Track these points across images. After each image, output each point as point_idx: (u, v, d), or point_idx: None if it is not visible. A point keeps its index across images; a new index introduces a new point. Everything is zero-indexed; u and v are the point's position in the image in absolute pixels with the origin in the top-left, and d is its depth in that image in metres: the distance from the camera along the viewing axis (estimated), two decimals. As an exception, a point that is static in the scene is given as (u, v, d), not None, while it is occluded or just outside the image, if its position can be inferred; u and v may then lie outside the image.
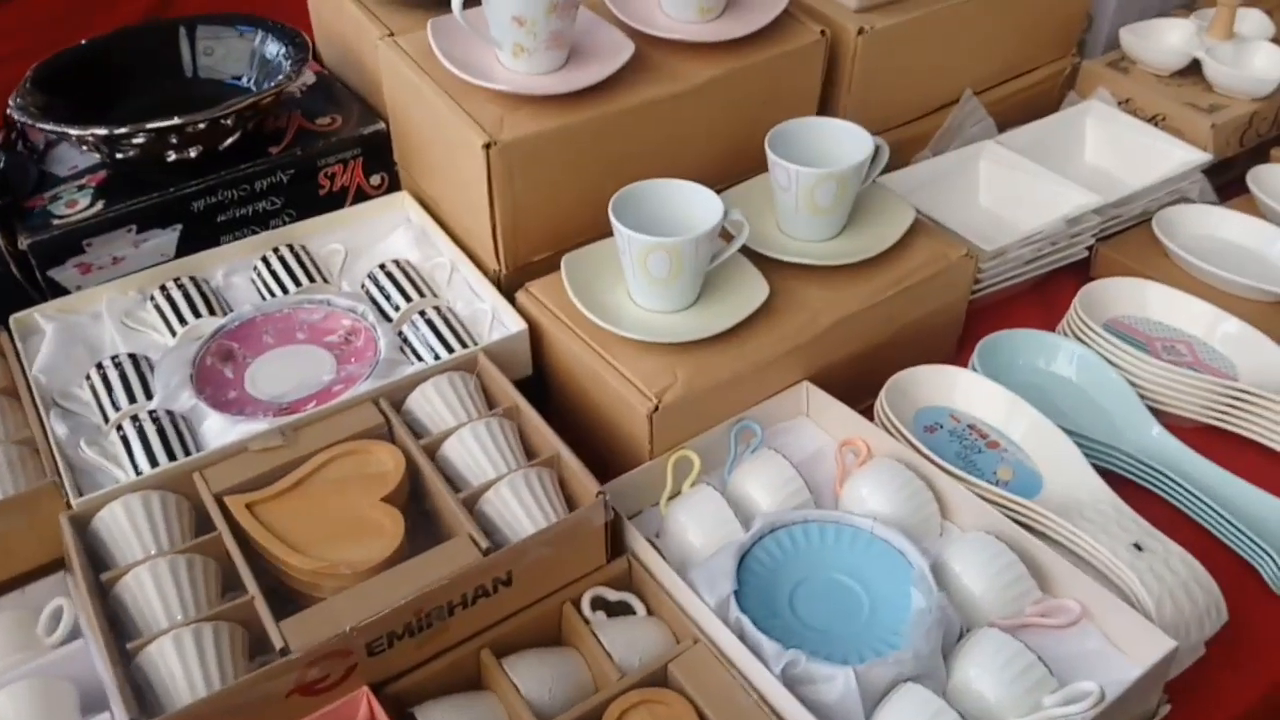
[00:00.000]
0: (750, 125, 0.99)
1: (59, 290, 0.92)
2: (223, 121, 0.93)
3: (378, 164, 1.04)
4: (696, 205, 0.85)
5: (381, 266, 0.94)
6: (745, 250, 0.89)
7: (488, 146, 0.85)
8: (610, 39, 0.94)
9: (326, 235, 0.99)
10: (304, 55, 1.00)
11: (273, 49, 1.04)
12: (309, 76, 1.10)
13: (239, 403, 0.83)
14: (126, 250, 0.94)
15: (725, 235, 0.88)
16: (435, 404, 0.80)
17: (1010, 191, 1.10)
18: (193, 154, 0.94)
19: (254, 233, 1.00)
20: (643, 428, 0.80)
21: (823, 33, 1.00)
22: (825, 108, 1.06)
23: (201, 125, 0.91)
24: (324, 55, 1.15)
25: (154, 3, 1.77)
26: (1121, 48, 1.25)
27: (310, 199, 1.02)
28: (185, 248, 0.97)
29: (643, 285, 0.84)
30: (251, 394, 0.84)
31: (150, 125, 0.89)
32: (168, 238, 0.96)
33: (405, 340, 0.88)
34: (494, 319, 0.90)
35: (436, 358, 0.86)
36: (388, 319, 0.91)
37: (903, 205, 0.96)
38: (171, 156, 0.93)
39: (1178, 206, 1.08)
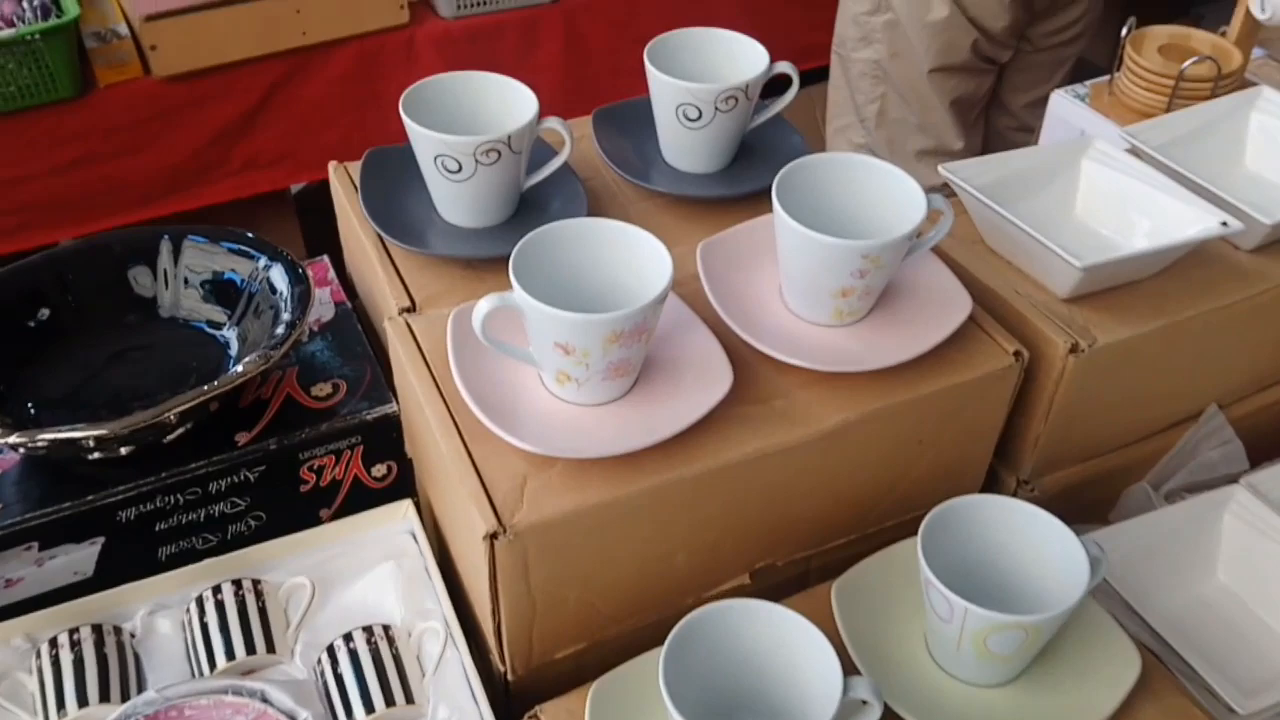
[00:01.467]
0: (893, 474, 0.69)
1: (-75, 625, 0.68)
2: (164, 420, 0.68)
3: (384, 450, 0.77)
4: (798, 652, 0.55)
5: (348, 639, 0.66)
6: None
7: (492, 537, 0.57)
8: (703, 354, 0.65)
9: (293, 560, 0.72)
10: (299, 315, 0.75)
11: (278, 287, 0.79)
12: (326, 310, 0.85)
13: None
14: (25, 570, 0.70)
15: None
16: None
17: (1266, 569, 0.76)
18: (123, 452, 0.70)
19: (205, 542, 0.75)
20: None
21: (1017, 356, 0.69)
22: (1008, 436, 0.75)
23: (124, 431, 0.66)
24: (352, 275, 0.90)
25: (233, 118, 1.60)
26: None
27: (286, 498, 0.76)
28: (109, 564, 0.72)
29: (702, 779, 0.55)
30: None
31: (44, 436, 0.65)
32: (84, 554, 0.71)
33: (354, 783, 0.61)
34: (488, 753, 0.62)
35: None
36: (341, 730, 0.64)
37: (1123, 647, 0.63)
38: (95, 456, 0.69)
39: None
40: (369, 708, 0.63)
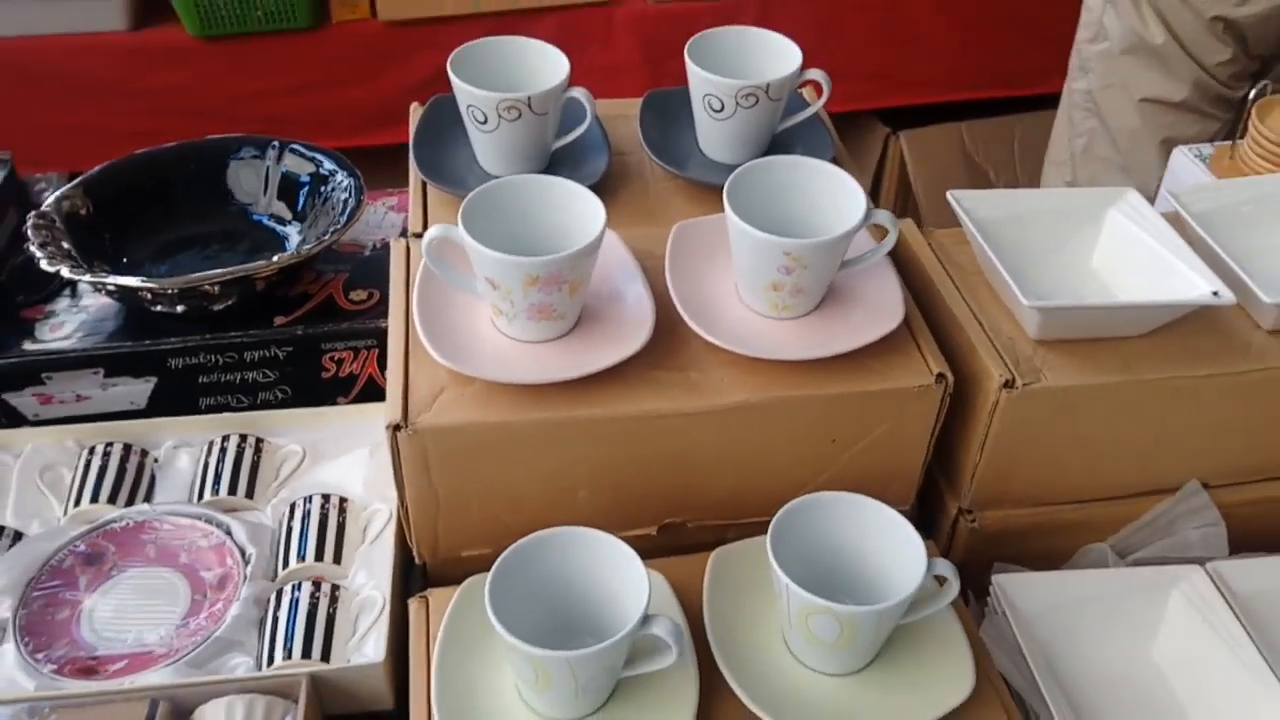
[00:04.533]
0: (808, 467, 0.73)
1: (14, 416, 0.85)
2: (206, 289, 0.82)
3: (399, 358, 0.89)
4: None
5: (307, 500, 0.78)
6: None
7: (395, 429, 0.66)
8: (635, 317, 0.71)
9: (294, 431, 0.85)
10: (338, 229, 0.87)
11: (346, 202, 0.92)
12: (394, 231, 0.97)
13: (52, 631, 0.71)
14: (92, 390, 0.86)
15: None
16: (215, 733, 0.63)
17: (1200, 660, 0.73)
18: (179, 310, 0.84)
19: (239, 402, 0.89)
20: None
21: (940, 379, 0.70)
22: (954, 461, 0.77)
23: (172, 291, 0.80)
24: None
25: (439, 66, 1.78)
26: None
27: (309, 380, 0.89)
28: (160, 401, 0.87)
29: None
30: (73, 627, 0.72)
31: (111, 280, 0.80)
32: (139, 388, 0.87)
33: (268, 610, 0.72)
34: (380, 617, 0.72)
35: (270, 660, 0.69)
36: (282, 567, 0.75)
37: (961, 669, 0.65)
38: (157, 309, 0.84)
39: None
40: (301, 557, 0.75)
